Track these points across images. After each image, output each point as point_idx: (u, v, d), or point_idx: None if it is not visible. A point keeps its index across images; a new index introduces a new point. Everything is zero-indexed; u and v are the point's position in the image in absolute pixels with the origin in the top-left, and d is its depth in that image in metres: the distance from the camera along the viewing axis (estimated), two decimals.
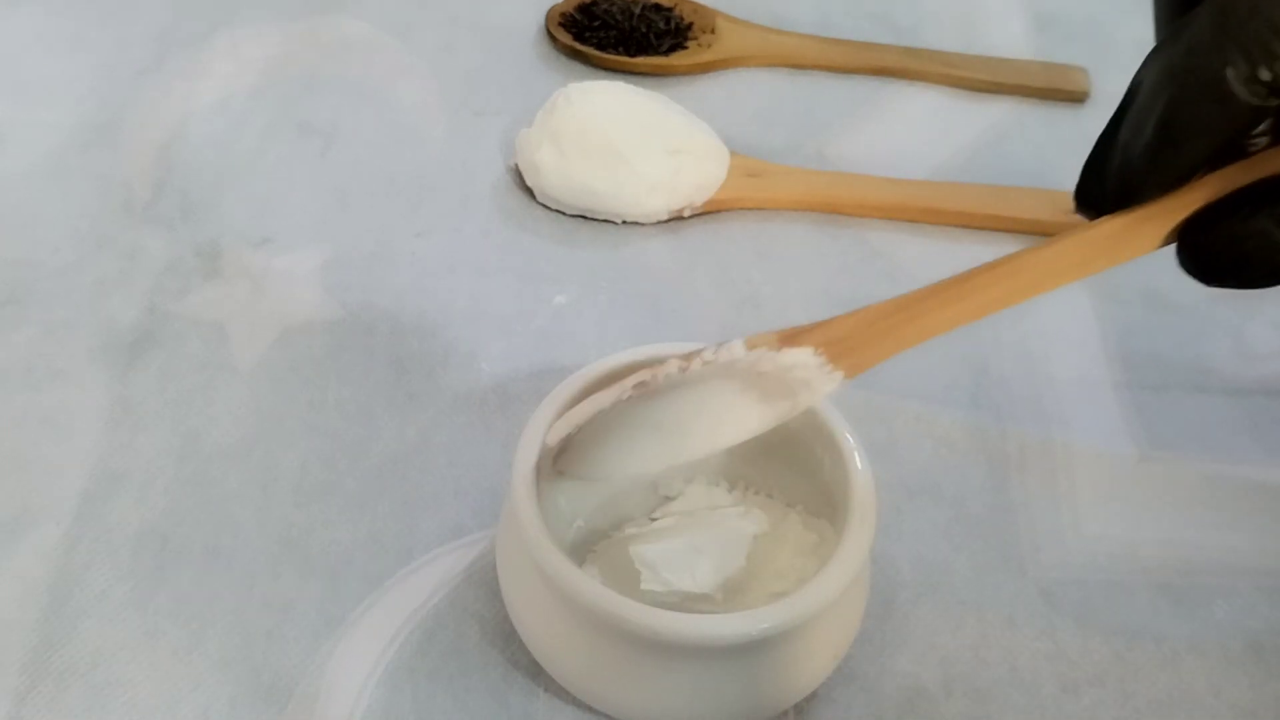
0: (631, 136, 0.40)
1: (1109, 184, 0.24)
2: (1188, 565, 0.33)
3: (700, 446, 0.26)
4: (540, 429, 0.28)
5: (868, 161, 0.44)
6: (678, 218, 0.41)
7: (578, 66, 0.48)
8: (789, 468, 0.30)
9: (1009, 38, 0.51)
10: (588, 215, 0.41)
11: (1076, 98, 0.48)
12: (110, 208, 0.41)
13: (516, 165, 0.42)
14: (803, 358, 0.25)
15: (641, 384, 0.25)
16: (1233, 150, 0.23)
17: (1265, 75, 0.21)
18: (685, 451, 0.26)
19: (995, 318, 0.39)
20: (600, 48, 0.47)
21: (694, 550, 0.28)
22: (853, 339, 0.26)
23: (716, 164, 0.41)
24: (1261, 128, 0.23)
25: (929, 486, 0.34)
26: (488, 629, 0.30)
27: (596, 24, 0.48)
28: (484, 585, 0.31)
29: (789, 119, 0.46)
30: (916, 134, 0.46)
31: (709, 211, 0.42)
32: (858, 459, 0.27)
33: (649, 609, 0.25)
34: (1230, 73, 0.21)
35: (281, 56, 0.47)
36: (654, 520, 0.30)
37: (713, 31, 0.49)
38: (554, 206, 0.41)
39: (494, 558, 0.30)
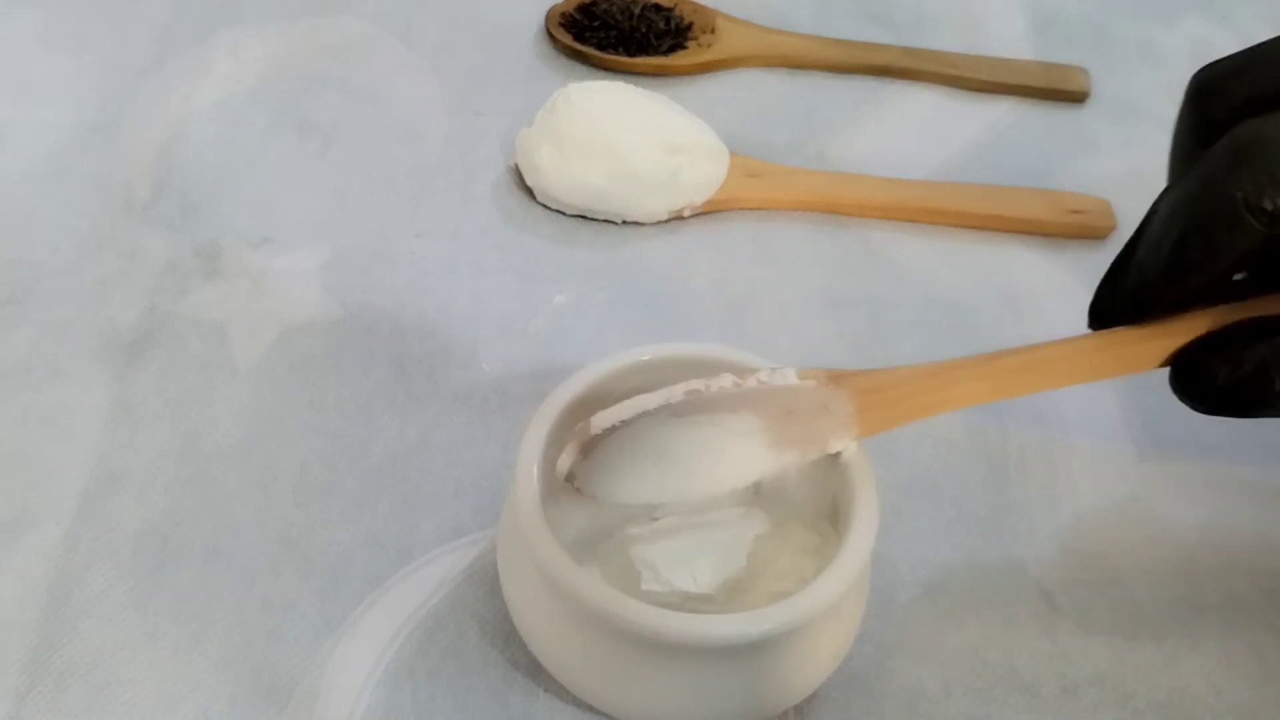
0: (631, 137, 0.40)
1: (1123, 298, 0.27)
2: (1188, 566, 0.33)
3: (709, 487, 0.27)
4: (540, 429, 0.28)
5: (868, 161, 0.44)
6: (678, 218, 0.41)
7: (578, 67, 0.48)
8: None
9: (1009, 38, 0.51)
10: (588, 215, 0.41)
11: (1076, 98, 0.48)
12: (110, 208, 0.41)
13: (516, 165, 0.42)
14: (841, 404, 0.26)
15: (694, 391, 0.26)
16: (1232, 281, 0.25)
17: (1269, 205, 0.23)
18: (693, 490, 0.27)
19: (995, 317, 0.40)
20: (600, 48, 0.47)
21: (695, 551, 0.28)
22: (884, 396, 0.27)
23: (716, 164, 0.41)
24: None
25: (929, 486, 0.34)
26: (488, 629, 0.30)
27: (596, 24, 0.48)
28: (484, 585, 0.31)
29: (789, 119, 0.46)
30: (916, 134, 0.46)
31: (709, 211, 0.42)
32: (858, 459, 0.27)
33: (649, 609, 0.25)
34: (1240, 197, 0.23)
35: (282, 56, 0.47)
36: (655, 520, 0.30)
37: (713, 31, 0.49)
38: (554, 206, 0.41)
39: (494, 558, 0.30)
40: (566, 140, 0.40)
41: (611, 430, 0.26)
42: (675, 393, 0.26)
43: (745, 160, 0.42)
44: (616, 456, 0.26)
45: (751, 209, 0.42)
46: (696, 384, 0.26)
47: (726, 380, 0.26)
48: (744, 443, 0.26)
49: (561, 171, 0.40)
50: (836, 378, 0.27)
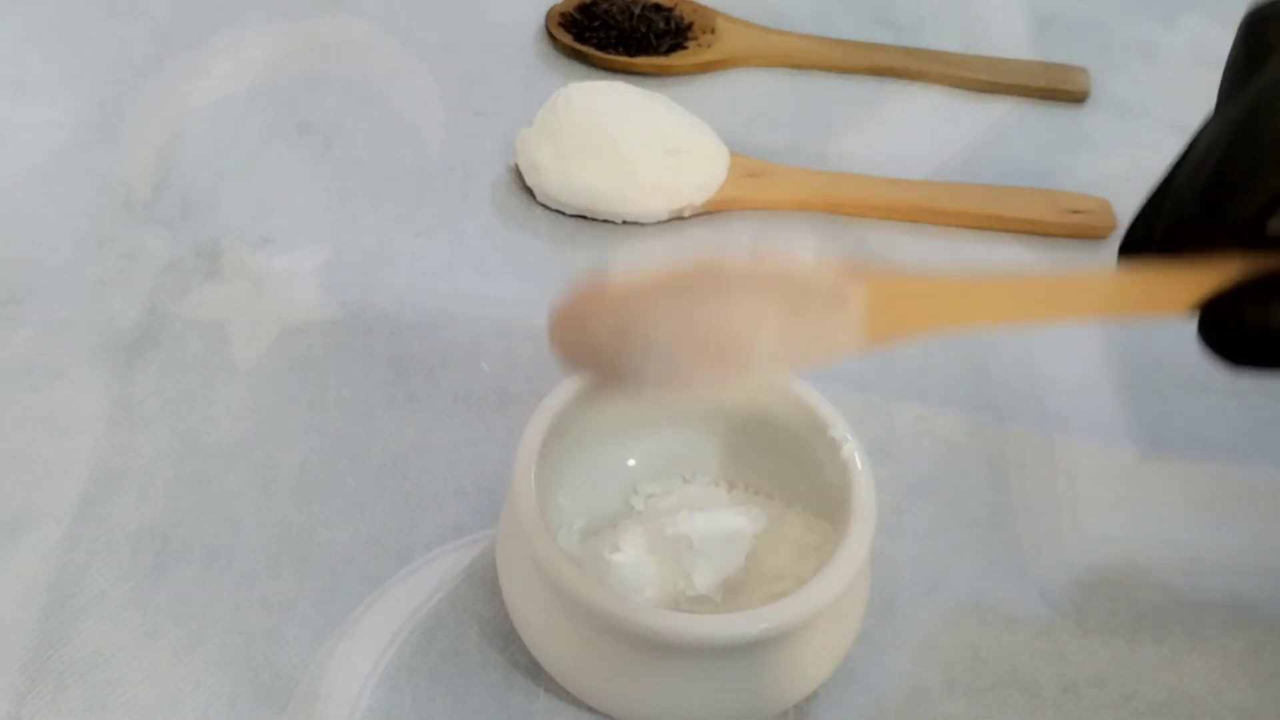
0: (631, 137, 0.40)
1: (1159, 227, 0.24)
2: (1188, 565, 0.33)
3: (738, 364, 0.24)
4: (539, 429, 0.28)
5: (868, 161, 0.44)
6: (678, 218, 0.41)
7: (578, 66, 0.48)
8: (789, 467, 0.30)
9: (1009, 38, 0.51)
10: (588, 215, 0.41)
11: (1076, 98, 0.48)
12: (110, 207, 0.41)
13: (516, 165, 0.42)
14: (855, 300, 0.24)
15: (708, 262, 0.23)
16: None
17: None
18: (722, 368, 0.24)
19: None
20: (600, 48, 0.47)
21: (694, 550, 0.28)
22: (901, 298, 0.24)
23: (717, 164, 0.41)
24: None
25: (929, 486, 0.34)
26: (488, 629, 0.30)
27: (596, 24, 0.48)
28: (484, 585, 0.31)
29: (789, 119, 0.46)
30: (916, 134, 0.46)
31: (709, 211, 0.42)
32: (858, 459, 0.27)
33: (649, 609, 0.25)
34: None
35: (282, 56, 0.47)
36: (654, 520, 0.30)
37: (713, 31, 0.49)
38: (554, 206, 0.41)
39: (494, 558, 0.30)
40: (566, 140, 0.40)
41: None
42: (687, 260, 0.24)
43: (745, 161, 0.42)
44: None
45: (752, 209, 0.42)
46: (710, 253, 0.23)
47: (741, 253, 0.23)
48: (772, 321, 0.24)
49: (561, 171, 0.40)
50: (855, 269, 0.24)
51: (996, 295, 0.25)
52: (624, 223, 0.41)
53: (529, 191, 0.42)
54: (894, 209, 0.42)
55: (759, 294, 0.24)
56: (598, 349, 0.24)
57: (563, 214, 0.41)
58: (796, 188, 0.42)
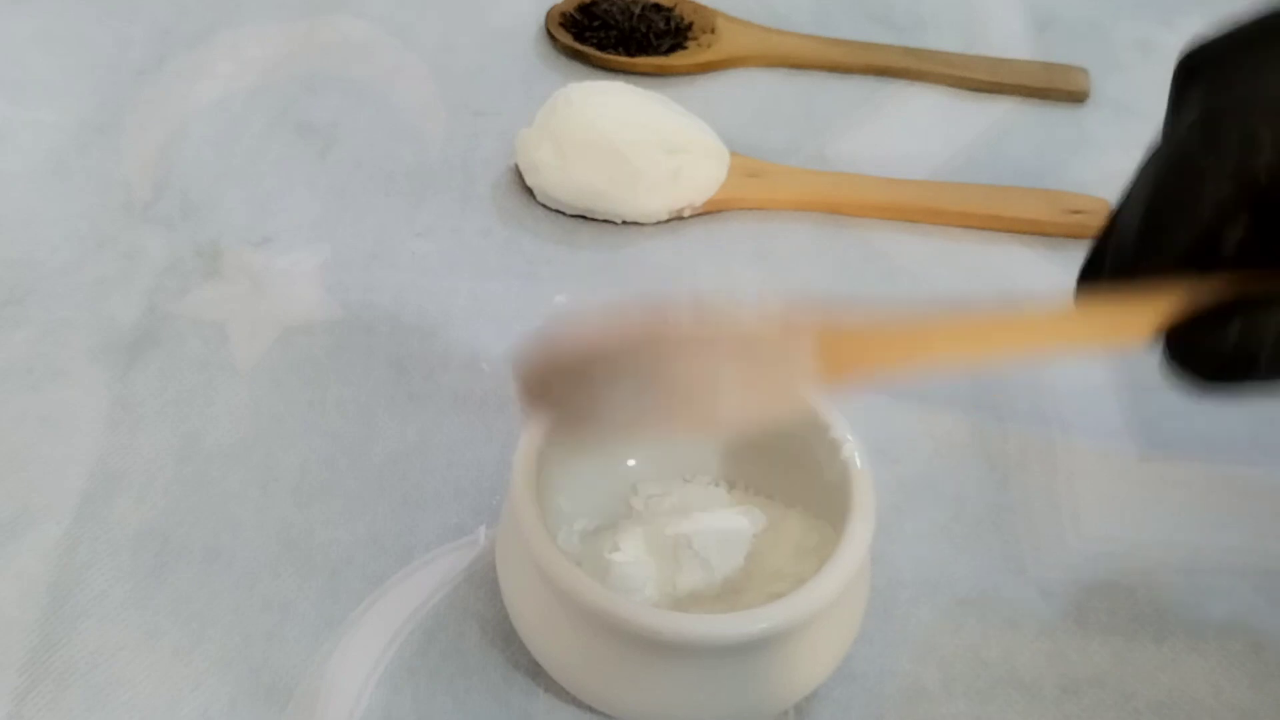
0: (631, 136, 0.39)
1: (1107, 263, 0.26)
2: (1188, 565, 0.33)
3: (687, 421, 0.25)
4: (539, 430, 0.28)
5: (868, 161, 0.44)
6: (678, 218, 0.41)
7: (578, 67, 0.48)
8: (788, 468, 0.30)
9: (1009, 37, 0.51)
10: (588, 215, 0.41)
11: (1076, 98, 0.48)
12: (110, 208, 0.41)
13: (517, 165, 0.42)
14: (801, 354, 0.24)
15: (654, 332, 0.23)
16: (1216, 249, 0.24)
17: (1237, 174, 0.23)
18: (666, 423, 0.25)
19: None
20: (600, 48, 0.48)
21: (693, 550, 0.28)
22: (849, 345, 0.24)
23: (717, 164, 0.41)
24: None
25: (929, 486, 0.34)
26: (488, 629, 0.30)
27: (596, 24, 0.48)
28: (484, 585, 0.31)
29: (789, 119, 0.46)
30: (916, 134, 0.46)
31: (709, 211, 0.42)
32: (857, 459, 0.27)
33: (648, 609, 0.25)
34: (1208, 165, 0.24)
35: (282, 56, 0.47)
36: (654, 520, 0.30)
37: (713, 31, 0.49)
38: (554, 206, 0.41)
39: (494, 558, 0.30)
40: (566, 140, 0.40)
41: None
42: (635, 324, 0.24)
43: (745, 161, 0.42)
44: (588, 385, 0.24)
45: (752, 209, 0.42)
46: (655, 317, 0.24)
47: (684, 315, 0.24)
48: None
49: (561, 171, 0.40)
50: (798, 323, 0.24)
51: (949, 336, 0.25)
52: (624, 223, 0.41)
53: (529, 191, 0.42)
54: (894, 209, 0.42)
55: (709, 353, 0.24)
56: (563, 402, 0.25)
57: (563, 214, 0.41)
58: (796, 187, 0.42)
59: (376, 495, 0.33)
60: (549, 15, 0.49)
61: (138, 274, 0.39)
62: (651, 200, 0.40)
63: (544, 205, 0.41)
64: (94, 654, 0.29)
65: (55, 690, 0.29)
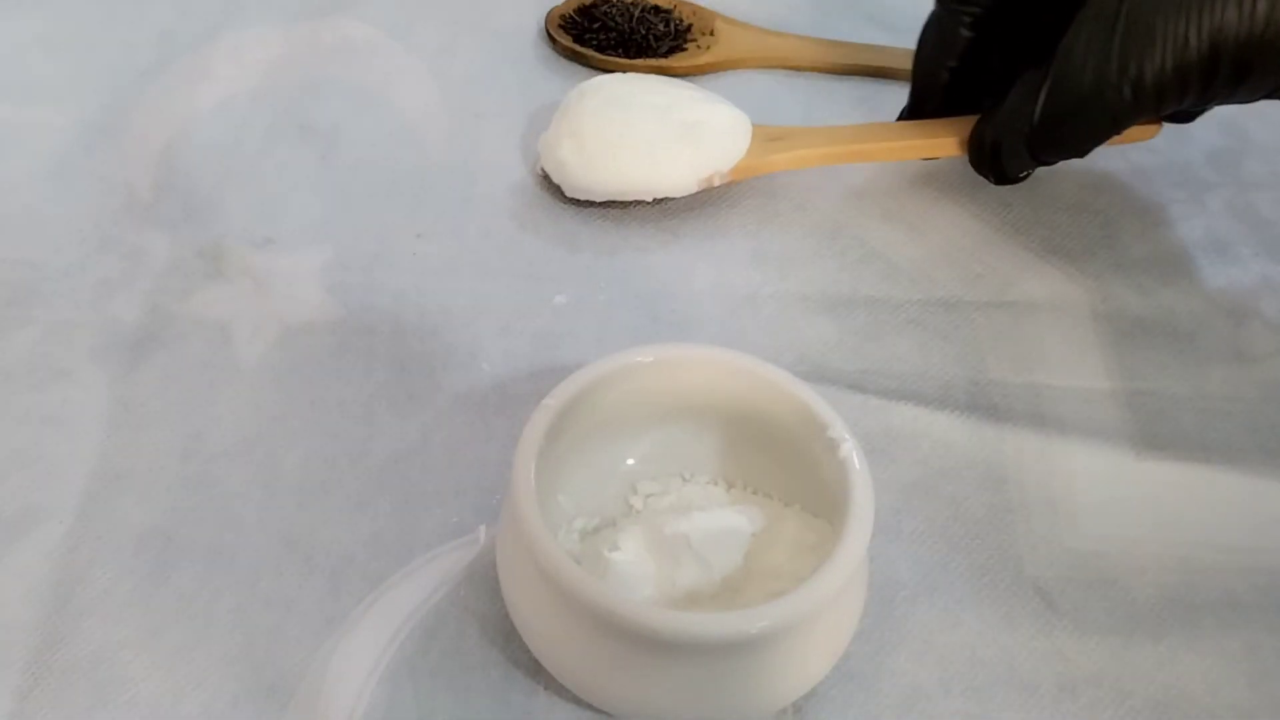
0: (647, 116, 0.40)
1: (908, 104, 0.43)
2: (1185, 565, 0.33)
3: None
4: (539, 430, 0.28)
5: (866, 163, 0.44)
6: (708, 187, 0.41)
7: (577, 68, 0.48)
8: (786, 467, 0.30)
9: None
10: (618, 200, 0.41)
11: None
12: (113, 208, 0.41)
13: (543, 170, 0.42)
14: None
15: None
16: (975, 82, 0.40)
17: (964, 28, 0.39)
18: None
19: (991, 317, 0.40)
20: (600, 50, 0.48)
21: (692, 549, 0.28)
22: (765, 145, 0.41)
23: (738, 131, 0.41)
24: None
25: (926, 486, 0.34)
26: (488, 627, 0.30)
27: (596, 26, 0.48)
28: (484, 584, 0.31)
29: (788, 120, 0.46)
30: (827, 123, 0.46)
31: (738, 179, 0.42)
32: (855, 458, 0.28)
33: (648, 607, 0.25)
34: (939, 23, 0.40)
35: (283, 58, 0.47)
36: (653, 519, 0.30)
37: (712, 34, 0.49)
38: (584, 198, 0.42)
39: (494, 557, 0.30)
40: (584, 133, 0.40)
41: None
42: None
43: (765, 128, 0.42)
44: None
45: (781, 171, 0.42)
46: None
47: None
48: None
49: (586, 165, 0.40)
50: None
51: (816, 142, 0.41)
52: (656, 201, 0.42)
53: (529, 191, 0.42)
54: (922, 147, 0.42)
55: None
56: None
57: (592, 203, 0.42)
58: (822, 141, 0.42)
59: (377, 494, 0.33)
60: (548, 17, 0.49)
61: (140, 274, 0.39)
62: (678, 174, 0.40)
63: (574, 200, 0.42)
64: (96, 652, 0.30)
65: (58, 688, 0.29)
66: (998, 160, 0.38)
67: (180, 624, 0.30)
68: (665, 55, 0.48)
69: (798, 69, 0.49)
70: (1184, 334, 0.39)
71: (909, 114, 0.42)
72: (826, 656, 0.28)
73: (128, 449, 0.34)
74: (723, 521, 0.29)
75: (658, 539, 0.29)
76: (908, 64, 0.45)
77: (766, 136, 0.42)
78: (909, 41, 0.50)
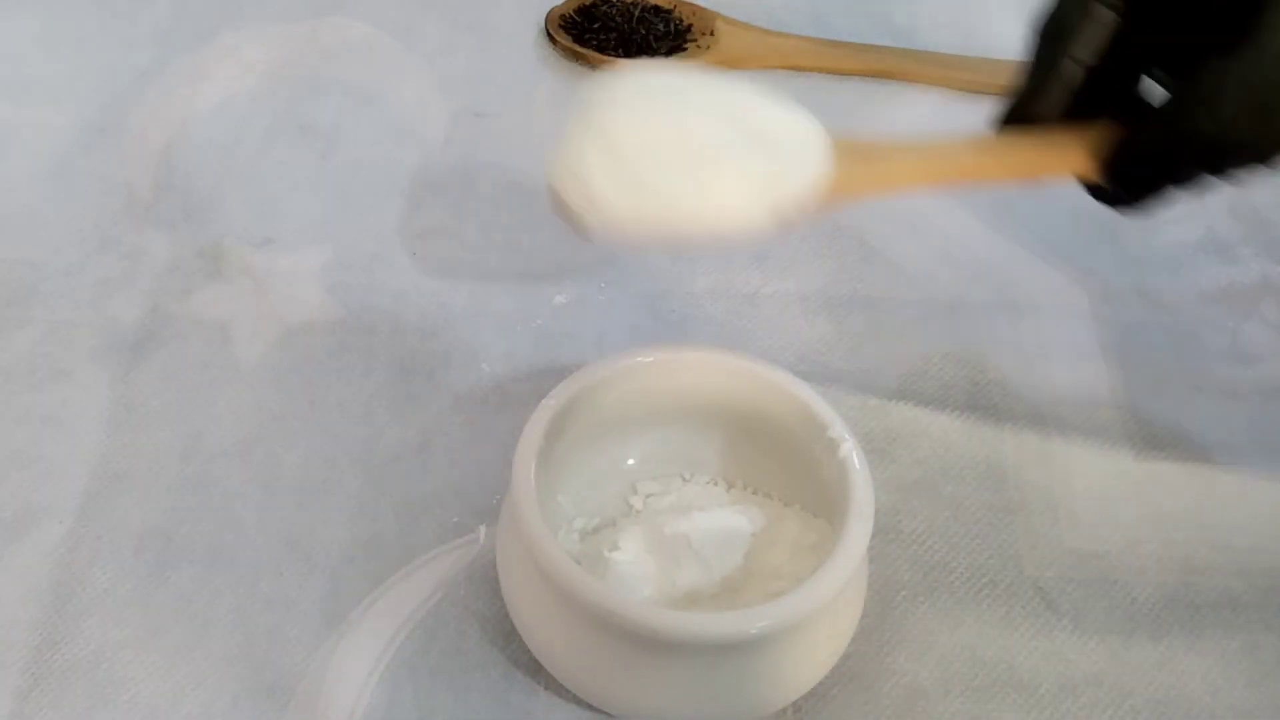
0: (707, 118, 0.28)
1: (1012, 105, 0.31)
2: (1184, 565, 0.33)
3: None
4: (538, 430, 0.28)
5: None
6: (783, 224, 0.29)
7: (577, 68, 0.48)
8: (787, 467, 0.30)
9: (1006, 39, 0.51)
10: (671, 243, 0.29)
11: None
12: (113, 208, 0.41)
13: (560, 196, 0.28)
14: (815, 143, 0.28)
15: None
16: (1105, 84, 0.30)
17: (1108, 9, 0.29)
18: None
19: (991, 317, 0.40)
20: (600, 50, 0.48)
21: (692, 549, 0.28)
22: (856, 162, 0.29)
23: (815, 148, 0.29)
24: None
25: (927, 486, 0.34)
26: (488, 627, 0.30)
27: (596, 26, 0.48)
28: (484, 584, 0.31)
29: None
30: (915, 136, 0.46)
31: (821, 210, 0.29)
32: (855, 458, 0.28)
33: (648, 608, 0.25)
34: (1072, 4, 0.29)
35: (283, 58, 0.47)
36: (653, 519, 0.31)
37: (712, 34, 0.49)
38: (618, 236, 0.28)
39: (494, 557, 0.30)
40: (622, 143, 0.28)
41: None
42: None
43: (845, 141, 0.30)
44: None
45: (877, 197, 0.32)
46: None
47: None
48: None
49: (625, 186, 0.27)
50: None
51: (926, 158, 0.30)
52: (717, 241, 0.30)
53: (529, 191, 0.42)
54: (1049, 166, 0.32)
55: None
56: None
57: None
58: (923, 158, 0.30)
59: (377, 495, 0.33)
60: (549, 17, 0.49)
61: (140, 274, 0.39)
62: (749, 205, 0.28)
63: (607, 239, 0.31)
64: (97, 652, 0.30)
65: (58, 688, 0.29)
66: (1152, 177, 0.29)
67: (180, 624, 0.30)
68: (665, 55, 0.48)
69: (798, 69, 0.49)
70: (1184, 334, 0.39)
71: (1011, 120, 0.31)
72: (826, 656, 0.28)
73: (128, 449, 0.34)
74: (723, 521, 0.29)
75: (658, 539, 0.29)
76: (908, 65, 0.45)
77: (850, 151, 0.29)
78: (908, 42, 0.50)
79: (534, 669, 0.29)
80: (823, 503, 0.29)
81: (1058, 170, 0.30)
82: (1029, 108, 0.31)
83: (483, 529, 0.32)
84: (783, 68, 0.49)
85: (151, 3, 0.49)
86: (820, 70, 0.49)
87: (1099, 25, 0.29)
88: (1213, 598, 0.32)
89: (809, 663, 0.27)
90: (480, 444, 0.34)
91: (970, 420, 0.36)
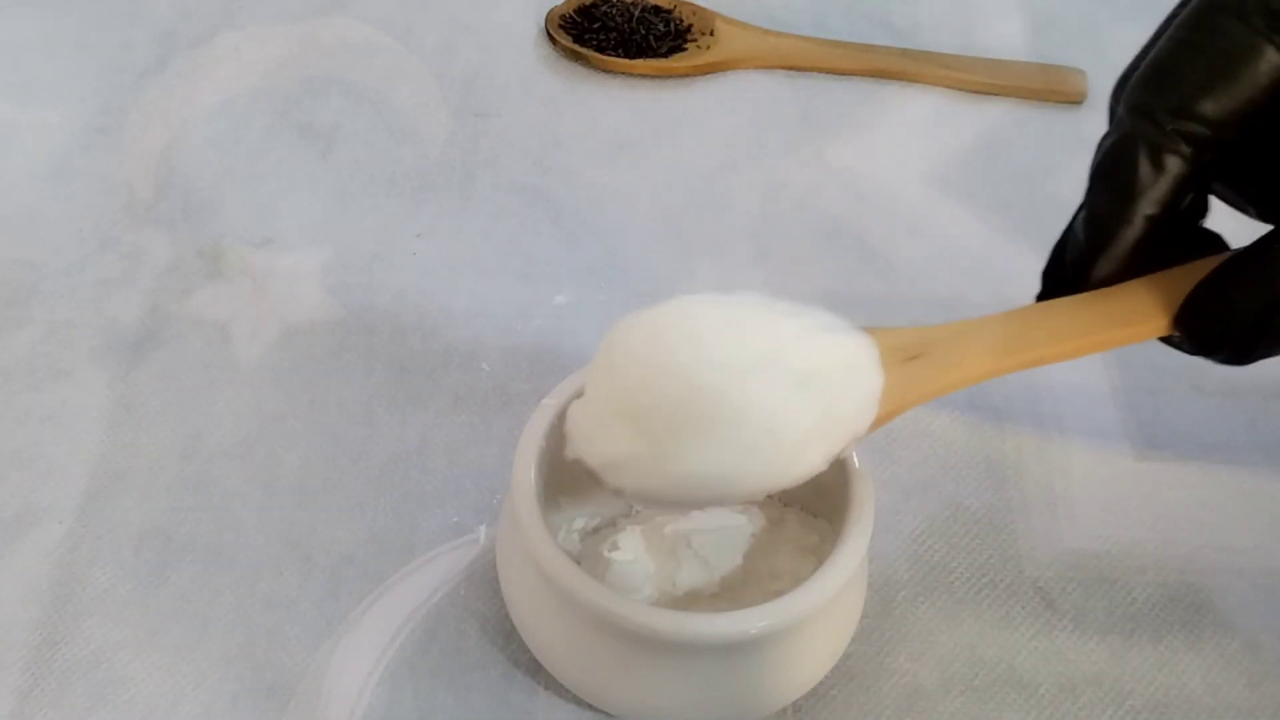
0: (743, 382, 0.24)
1: (1068, 264, 0.27)
2: (1185, 565, 0.33)
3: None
4: (538, 430, 0.28)
5: (865, 163, 0.44)
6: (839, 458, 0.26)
7: (578, 68, 0.48)
8: None
9: (1006, 39, 0.51)
10: (715, 507, 0.29)
11: (1074, 100, 0.48)
12: (113, 208, 0.41)
13: (582, 459, 0.25)
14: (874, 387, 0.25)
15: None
16: (1171, 233, 0.26)
17: (1178, 158, 0.25)
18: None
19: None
20: (600, 50, 0.48)
21: (692, 549, 0.28)
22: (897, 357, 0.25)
23: (867, 368, 0.25)
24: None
25: (927, 486, 0.34)
26: (488, 627, 0.30)
27: (596, 26, 0.48)
28: (484, 584, 0.31)
29: (787, 121, 0.46)
30: (914, 136, 0.46)
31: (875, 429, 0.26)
32: (855, 458, 0.28)
33: (648, 608, 0.25)
34: (1140, 151, 0.25)
35: (283, 58, 0.47)
36: (653, 519, 0.31)
37: (712, 34, 0.49)
38: (652, 506, 0.28)
39: (494, 557, 0.30)
40: (649, 411, 0.24)
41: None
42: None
43: (889, 339, 0.26)
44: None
45: (929, 401, 0.27)
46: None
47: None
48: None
49: (655, 460, 0.24)
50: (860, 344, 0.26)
51: (989, 352, 0.26)
52: (770, 498, 0.29)
53: (528, 191, 0.42)
54: (1123, 336, 0.28)
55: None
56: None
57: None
58: (979, 350, 0.26)
59: (377, 494, 0.33)
60: (548, 17, 0.49)
61: (140, 274, 0.39)
62: (801, 459, 0.24)
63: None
64: (96, 652, 0.30)
65: (58, 688, 0.29)
66: (1247, 335, 0.25)
67: (180, 624, 0.30)
68: (665, 55, 0.48)
69: (798, 69, 0.49)
70: None
71: (1069, 281, 0.27)
72: (826, 657, 0.28)
73: (127, 449, 0.34)
74: (723, 521, 0.29)
75: (658, 539, 0.29)
76: (908, 64, 0.45)
77: (898, 352, 0.26)
78: (908, 42, 0.50)
79: (534, 669, 0.29)
80: (823, 503, 0.29)
81: (1132, 340, 0.27)
82: (1090, 273, 0.27)
83: (483, 529, 0.32)
84: (782, 67, 0.49)
85: (151, 3, 0.49)
86: (820, 70, 0.49)
87: (1164, 174, 0.25)
88: (1213, 597, 0.32)
89: (809, 663, 0.27)
90: (480, 444, 0.34)
91: (970, 420, 0.36)
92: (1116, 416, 0.36)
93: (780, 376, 0.24)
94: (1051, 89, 0.48)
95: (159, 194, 0.42)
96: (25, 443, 0.34)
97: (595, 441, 0.25)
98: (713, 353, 0.24)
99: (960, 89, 0.48)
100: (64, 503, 0.32)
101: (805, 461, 0.25)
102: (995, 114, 0.47)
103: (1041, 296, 0.28)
